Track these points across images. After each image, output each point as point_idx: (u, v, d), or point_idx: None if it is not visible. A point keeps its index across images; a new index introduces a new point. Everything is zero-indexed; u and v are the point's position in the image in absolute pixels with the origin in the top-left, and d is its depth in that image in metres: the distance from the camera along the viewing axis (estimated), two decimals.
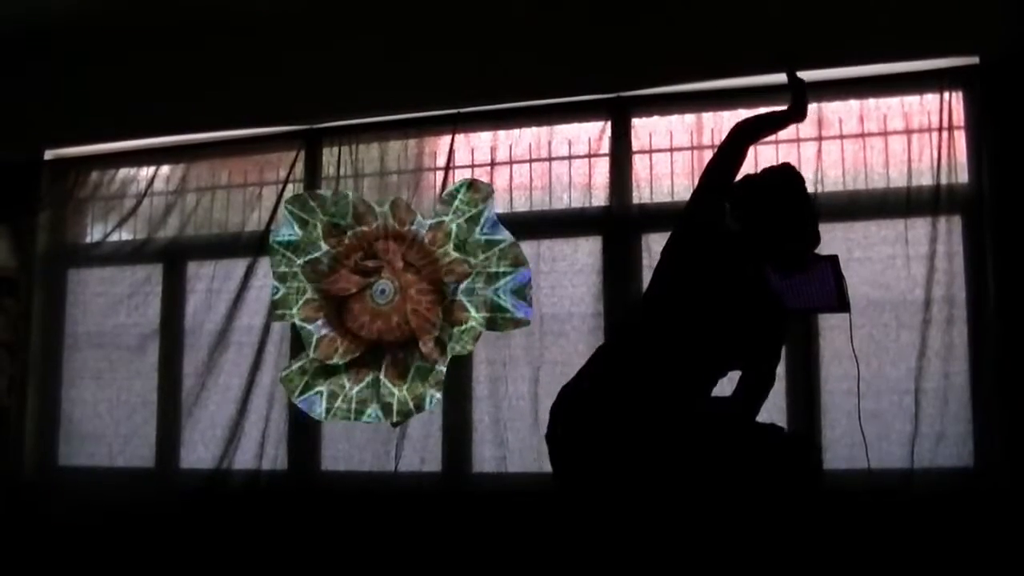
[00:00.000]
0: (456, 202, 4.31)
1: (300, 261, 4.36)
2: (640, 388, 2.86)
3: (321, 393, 4.32)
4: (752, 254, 2.95)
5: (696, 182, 3.14)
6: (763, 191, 2.98)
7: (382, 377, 4.28)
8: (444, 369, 4.24)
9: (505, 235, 4.25)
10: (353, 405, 4.30)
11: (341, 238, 4.37)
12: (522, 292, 4.18)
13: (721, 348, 2.95)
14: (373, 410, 4.28)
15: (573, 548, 2.96)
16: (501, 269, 4.22)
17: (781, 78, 4.01)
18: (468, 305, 4.20)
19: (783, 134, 4.09)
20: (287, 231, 4.44)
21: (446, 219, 4.31)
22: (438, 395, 4.21)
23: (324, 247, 4.39)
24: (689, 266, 2.97)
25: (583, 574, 2.92)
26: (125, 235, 4.96)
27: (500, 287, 4.19)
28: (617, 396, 2.86)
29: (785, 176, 3.02)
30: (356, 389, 4.31)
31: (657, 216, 4.15)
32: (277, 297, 4.42)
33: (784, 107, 3.27)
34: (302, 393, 4.36)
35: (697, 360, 2.93)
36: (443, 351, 4.24)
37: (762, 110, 4.12)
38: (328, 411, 4.30)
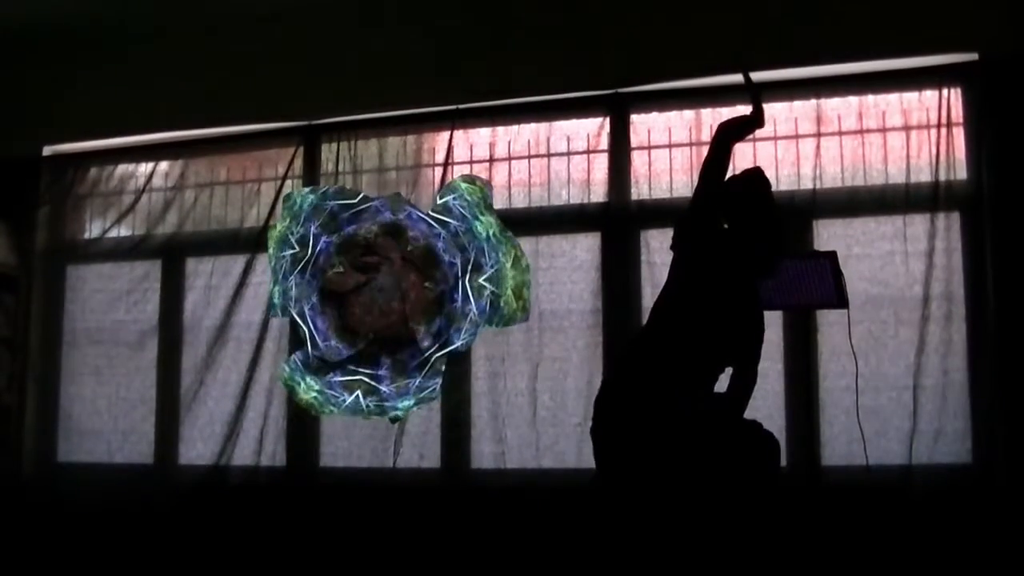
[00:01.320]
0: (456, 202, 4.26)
1: (298, 267, 4.32)
2: (652, 383, 2.96)
3: (320, 389, 4.31)
4: (734, 253, 3.03)
5: (695, 178, 3.18)
6: (737, 193, 3.09)
7: (380, 373, 4.27)
8: (442, 366, 4.23)
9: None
10: (352, 401, 4.28)
11: (340, 233, 4.35)
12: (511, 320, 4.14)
13: (719, 344, 2.99)
14: (372, 407, 4.26)
15: (609, 538, 3.04)
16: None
17: (780, 74, 4.05)
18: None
19: (781, 131, 4.12)
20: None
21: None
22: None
23: (326, 241, 4.36)
24: (690, 264, 3.05)
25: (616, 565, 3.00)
26: (124, 231, 4.96)
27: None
28: (635, 390, 2.98)
29: (756, 179, 3.13)
30: (356, 384, 4.29)
31: (656, 212, 4.16)
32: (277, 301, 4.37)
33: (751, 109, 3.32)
34: (300, 390, 4.33)
35: (700, 356, 2.99)
36: (441, 347, 4.23)
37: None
38: (326, 408, 4.28)
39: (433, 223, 4.24)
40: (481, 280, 4.12)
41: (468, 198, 4.17)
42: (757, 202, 3.07)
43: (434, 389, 4.16)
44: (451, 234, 4.21)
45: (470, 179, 4.26)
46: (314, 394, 4.19)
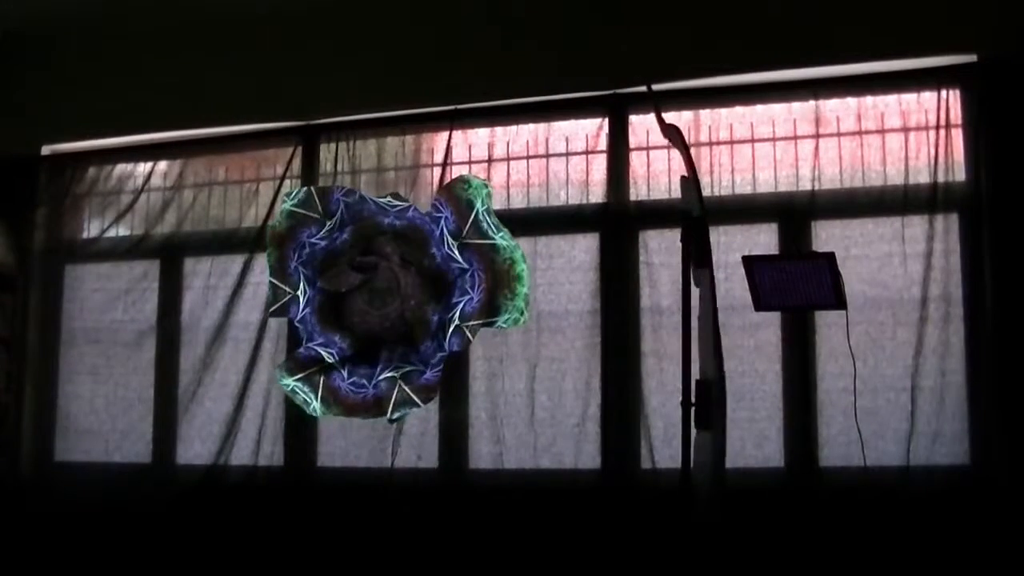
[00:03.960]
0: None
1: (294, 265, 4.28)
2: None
3: (317, 389, 4.28)
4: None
5: (694, 179, 3.24)
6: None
7: (379, 374, 4.25)
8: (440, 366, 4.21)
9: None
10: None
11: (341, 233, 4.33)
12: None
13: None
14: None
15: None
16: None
17: (779, 75, 4.07)
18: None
19: (780, 131, 4.13)
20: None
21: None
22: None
23: (322, 242, 4.34)
24: None
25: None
26: (122, 231, 4.95)
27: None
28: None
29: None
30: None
31: (654, 213, 4.15)
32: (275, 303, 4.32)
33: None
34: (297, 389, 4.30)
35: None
36: (439, 347, 4.21)
37: (758, 108, 4.17)
38: (323, 408, 4.26)
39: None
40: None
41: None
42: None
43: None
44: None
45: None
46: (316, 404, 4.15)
